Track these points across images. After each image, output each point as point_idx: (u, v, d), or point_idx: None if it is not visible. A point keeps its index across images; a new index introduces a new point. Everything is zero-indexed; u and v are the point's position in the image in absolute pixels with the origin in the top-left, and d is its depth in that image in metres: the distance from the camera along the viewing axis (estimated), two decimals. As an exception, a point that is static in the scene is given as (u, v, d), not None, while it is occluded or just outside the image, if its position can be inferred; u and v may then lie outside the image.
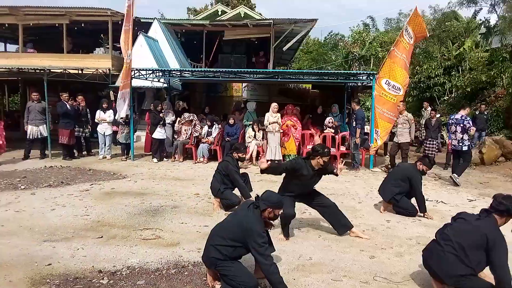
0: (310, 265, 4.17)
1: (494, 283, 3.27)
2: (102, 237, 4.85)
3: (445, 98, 19.32)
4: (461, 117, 8.40)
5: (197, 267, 4.01)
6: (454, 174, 8.46)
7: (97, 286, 3.64)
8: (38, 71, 10.67)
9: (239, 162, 6.29)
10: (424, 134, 11.96)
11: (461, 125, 8.30)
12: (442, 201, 6.96)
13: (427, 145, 11.03)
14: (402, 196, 5.98)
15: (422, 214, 5.92)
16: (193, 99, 15.65)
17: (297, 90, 17.03)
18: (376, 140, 9.83)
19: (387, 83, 9.65)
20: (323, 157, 4.70)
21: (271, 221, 3.78)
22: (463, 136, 8.33)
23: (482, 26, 22.53)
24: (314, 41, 38.17)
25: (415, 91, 20.84)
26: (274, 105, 10.61)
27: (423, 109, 14.53)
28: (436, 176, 9.39)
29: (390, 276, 3.92)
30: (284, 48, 16.48)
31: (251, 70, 11.42)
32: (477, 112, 12.76)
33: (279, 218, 4.88)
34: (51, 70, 10.55)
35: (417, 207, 5.96)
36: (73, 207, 6.02)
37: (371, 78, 10.09)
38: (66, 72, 11.58)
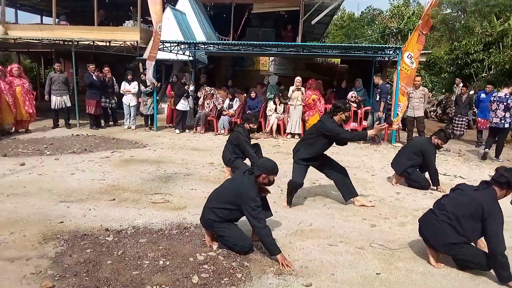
0: (309, 231, 4.22)
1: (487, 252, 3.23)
2: (114, 199, 5.07)
3: (483, 75, 18.44)
4: (505, 95, 8.24)
5: (199, 229, 4.14)
6: (495, 158, 8.48)
7: (103, 242, 3.84)
8: (66, 42, 10.96)
9: (250, 132, 6.34)
10: (454, 110, 11.57)
11: (504, 103, 8.15)
12: (460, 176, 6.77)
13: (456, 122, 10.73)
14: (414, 169, 5.88)
15: (435, 188, 5.81)
16: (218, 72, 15.70)
17: (325, 64, 16.70)
18: (398, 115, 9.62)
19: (409, 56, 9.42)
20: (345, 112, 4.79)
21: (267, 187, 3.83)
22: (505, 114, 8.18)
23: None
24: (349, 15, 37.14)
25: (451, 68, 20.03)
26: (297, 79, 10.51)
27: (455, 85, 13.99)
28: (461, 152, 9.12)
29: (387, 243, 3.92)
30: (313, 22, 16.10)
31: (275, 43, 11.30)
32: None
33: (286, 185, 4.96)
34: (79, 42, 10.82)
35: (430, 181, 5.85)
36: (92, 172, 6.29)
37: (397, 52, 9.78)
38: (94, 44, 11.84)
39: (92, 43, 11.79)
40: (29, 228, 4.10)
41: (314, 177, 6.44)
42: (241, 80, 15.07)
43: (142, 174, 6.29)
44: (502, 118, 8.20)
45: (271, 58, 16.28)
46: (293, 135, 10.37)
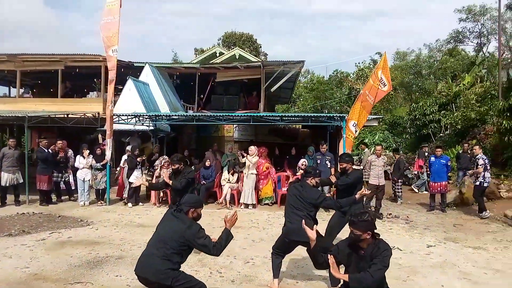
0: None
1: None
2: (28, 292, 4.88)
3: (440, 135, 19.12)
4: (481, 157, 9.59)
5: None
6: (479, 214, 9.55)
7: None
8: (18, 117, 11.00)
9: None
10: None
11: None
12: (397, 248, 6.78)
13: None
14: None
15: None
16: (181, 140, 15.88)
17: (287, 129, 17.13)
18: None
19: (354, 125, 9.80)
20: (316, 177, 5.13)
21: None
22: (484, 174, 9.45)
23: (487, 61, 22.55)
24: (318, 79, 38.72)
25: (411, 129, 20.66)
26: (250, 148, 10.67)
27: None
28: (408, 219, 9.25)
29: None
30: (272, 89, 16.69)
31: (228, 114, 11.62)
32: (460, 151, 12.57)
33: None
34: (32, 116, 10.84)
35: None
36: (19, 259, 6.07)
37: (342, 121, 10.16)
38: (51, 117, 11.94)
39: (48, 117, 11.86)
40: None
41: (249, 255, 6.40)
42: (207, 147, 15.22)
43: (71, 259, 6.11)
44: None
45: (235, 124, 16.63)
46: (246, 205, 10.35)
